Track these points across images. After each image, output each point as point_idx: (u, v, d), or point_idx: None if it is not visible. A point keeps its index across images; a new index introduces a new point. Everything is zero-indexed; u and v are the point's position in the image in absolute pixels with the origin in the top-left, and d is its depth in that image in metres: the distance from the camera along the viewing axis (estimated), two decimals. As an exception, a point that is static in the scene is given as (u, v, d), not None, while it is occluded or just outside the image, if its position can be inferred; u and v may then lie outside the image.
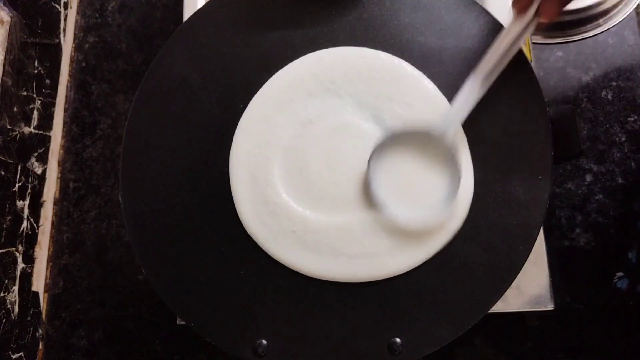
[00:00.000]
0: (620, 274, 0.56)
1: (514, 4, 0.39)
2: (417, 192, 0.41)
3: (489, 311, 0.40)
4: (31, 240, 0.61)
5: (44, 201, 0.64)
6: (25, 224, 0.60)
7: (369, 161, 0.40)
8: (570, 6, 0.59)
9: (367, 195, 0.41)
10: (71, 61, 0.70)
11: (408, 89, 0.44)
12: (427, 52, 0.45)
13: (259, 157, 0.44)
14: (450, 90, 0.43)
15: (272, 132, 0.44)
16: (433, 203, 0.40)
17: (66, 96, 0.69)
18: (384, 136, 0.41)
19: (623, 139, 0.62)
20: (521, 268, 0.40)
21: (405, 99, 0.43)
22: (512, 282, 0.40)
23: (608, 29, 0.65)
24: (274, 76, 0.45)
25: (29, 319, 0.59)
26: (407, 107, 0.43)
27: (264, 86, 0.45)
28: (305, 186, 0.43)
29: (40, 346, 0.61)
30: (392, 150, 0.41)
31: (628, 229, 0.58)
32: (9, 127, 0.58)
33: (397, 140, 0.41)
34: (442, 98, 0.43)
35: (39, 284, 0.62)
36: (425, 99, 0.43)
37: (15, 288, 0.57)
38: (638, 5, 0.65)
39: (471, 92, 0.39)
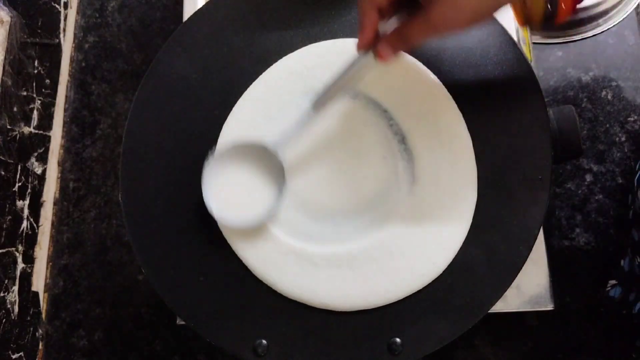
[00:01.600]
0: (613, 282, 0.55)
1: (358, 43, 0.38)
2: (247, 200, 0.43)
3: (489, 311, 0.40)
4: (31, 240, 0.61)
5: (44, 201, 0.64)
6: (25, 224, 0.60)
7: (203, 169, 0.42)
8: (570, 6, 0.59)
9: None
10: (71, 61, 0.70)
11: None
12: (426, 51, 0.45)
13: None
14: (450, 89, 0.43)
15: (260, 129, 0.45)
16: (259, 210, 0.42)
17: (66, 96, 0.69)
18: (225, 148, 0.42)
19: (623, 139, 0.62)
20: (521, 268, 0.40)
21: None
22: (512, 282, 0.40)
23: (608, 29, 0.65)
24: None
25: (28, 319, 0.59)
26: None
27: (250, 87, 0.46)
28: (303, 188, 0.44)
29: (40, 346, 0.61)
30: (230, 161, 0.43)
31: (624, 235, 0.58)
32: (9, 127, 0.58)
33: (236, 152, 0.42)
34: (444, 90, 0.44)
35: (39, 284, 0.62)
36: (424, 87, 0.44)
37: (15, 288, 0.57)
38: (638, 5, 0.65)
39: (305, 116, 0.41)
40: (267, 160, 0.42)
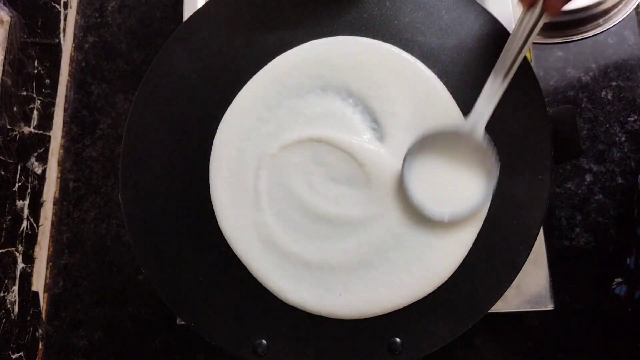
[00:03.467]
0: (618, 279, 0.55)
1: (522, 0, 0.39)
2: (453, 193, 0.41)
3: (489, 311, 0.40)
4: (31, 240, 0.61)
5: (44, 201, 0.64)
6: (25, 223, 0.60)
7: (402, 168, 0.41)
8: (570, 6, 0.59)
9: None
10: (71, 61, 0.70)
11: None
12: (427, 52, 0.45)
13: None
14: (450, 89, 0.43)
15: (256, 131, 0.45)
16: (469, 201, 0.41)
17: (66, 96, 0.69)
18: (414, 141, 0.41)
19: (623, 139, 0.62)
20: (521, 268, 0.40)
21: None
22: (512, 282, 0.40)
23: (608, 29, 0.64)
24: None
25: (28, 318, 0.59)
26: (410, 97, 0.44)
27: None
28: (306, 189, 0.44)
29: (40, 346, 0.61)
30: (423, 155, 0.41)
31: (627, 233, 0.58)
32: (9, 127, 0.58)
33: (426, 143, 0.41)
34: (440, 84, 0.44)
35: (38, 284, 0.62)
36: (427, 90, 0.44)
37: (15, 288, 0.57)
38: (638, 5, 0.65)
39: (494, 88, 0.40)
40: (462, 147, 0.41)
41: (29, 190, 0.61)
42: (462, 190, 0.41)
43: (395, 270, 0.41)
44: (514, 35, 0.40)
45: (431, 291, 0.40)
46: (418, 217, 0.41)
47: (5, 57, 0.56)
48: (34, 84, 0.63)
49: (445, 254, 0.41)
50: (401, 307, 0.41)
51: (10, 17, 0.58)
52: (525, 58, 0.43)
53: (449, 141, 0.41)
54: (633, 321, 0.54)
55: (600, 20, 0.65)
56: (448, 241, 0.41)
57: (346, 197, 0.43)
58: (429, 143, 0.41)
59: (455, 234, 0.41)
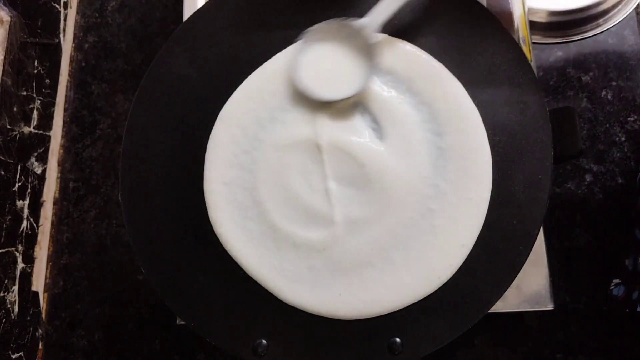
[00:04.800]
0: (617, 280, 0.55)
1: None
2: (337, 77, 0.44)
3: (489, 311, 0.40)
4: (31, 240, 0.61)
5: (44, 201, 0.64)
6: (25, 223, 0.60)
7: (296, 50, 0.44)
8: (570, 6, 0.59)
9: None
10: (71, 61, 0.70)
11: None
12: (424, 50, 0.45)
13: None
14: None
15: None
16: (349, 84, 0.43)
17: (66, 96, 0.69)
18: (311, 29, 0.44)
19: (623, 139, 0.62)
20: (521, 268, 0.40)
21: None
22: (512, 282, 0.40)
23: (608, 29, 0.64)
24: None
25: (28, 318, 0.59)
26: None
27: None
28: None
29: (40, 346, 0.61)
30: (318, 43, 0.44)
31: (626, 235, 0.58)
32: (8, 127, 0.58)
33: (322, 33, 0.44)
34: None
35: (38, 284, 0.62)
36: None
37: (15, 288, 0.57)
38: (638, 5, 0.65)
39: None
40: (355, 40, 0.43)
41: (29, 190, 0.61)
42: (346, 76, 0.44)
43: (395, 270, 0.41)
44: None
45: (431, 292, 0.40)
46: (418, 217, 0.41)
47: (5, 57, 0.56)
48: (34, 84, 0.63)
49: (446, 255, 0.41)
50: (401, 307, 0.41)
51: (10, 17, 0.58)
52: (525, 58, 0.43)
53: (343, 34, 0.44)
54: (631, 322, 0.54)
55: (600, 20, 0.65)
56: (449, 242, 0.41)
57: (346, 197, 0.43)
58: (325, 34, 0.44)
59: (457, 235, 0.41)
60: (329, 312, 0.41)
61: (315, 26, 0.44)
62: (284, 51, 0.46)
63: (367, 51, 0.43)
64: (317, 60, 0.44)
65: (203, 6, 0.48)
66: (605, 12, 0.64)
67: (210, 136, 0.45)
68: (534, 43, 0.65)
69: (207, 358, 0.59)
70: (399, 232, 0.42)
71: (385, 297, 0.40)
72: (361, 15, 0.46)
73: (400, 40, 0.45)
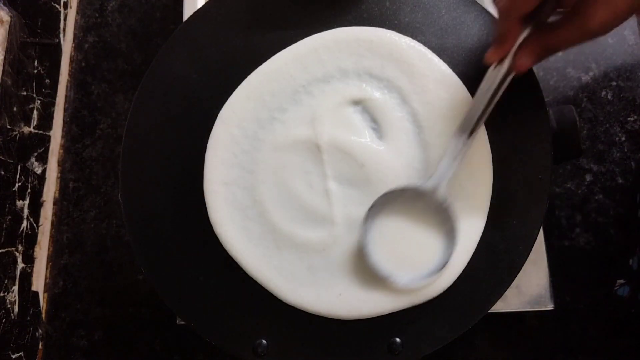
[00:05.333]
0: (621, 281, 0.55)
1: (489, 57, 0.37)
2: (411, 255, 0.41)
3: (489, 311, 0.40)
4: (31, 240, 0.61)
5: (44, 201, 0.64)
6: (25, 223, 0.60)
7: (362, 227, 0.40)
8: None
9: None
10: (71, 61, 0.70)
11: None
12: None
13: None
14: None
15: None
16: (429, 263, 0.40)
17: (66, 96, 0.69)
18: (375, 200, 0.40)
19: (623, 139, 0.62)
20: (521, 268, 0.40)
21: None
22: (512, 282, 0.40)
23: (608, 29, 0.64)
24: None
25: (28, 318, 0.59)
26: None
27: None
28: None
29: (40, 346, 0.61)
30: (384, 213, 0.41)
31: (629, 233, 0.58)
32: (8, 127, 0.58)
33: (388, 201, 0.40)
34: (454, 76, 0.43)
35: (38, 284, 0.62)
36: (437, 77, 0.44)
37: (15, 288, 0.57)
38: (638, 5, 0.65)
39: (458, 147, 0.39)
40: (425, 204, 0.40)
41: (29, 190, 0.61)
42: (421, 253, 0.40)
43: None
44: (480, 92, 0.38)
45: (432, 297, 0.40)
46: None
47: (5, 57, 0.56)
48: (34, 84, 0.63)
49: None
50: (401, 309, 0.40)
51: (10, 17, 0.58)
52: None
53: (410, 200, 0.40)
54: (636, 322, 0.54)
55: (600, 20, 0.64)
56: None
57: (346, 197, 0.42)
58: (391, 201, 0.40)
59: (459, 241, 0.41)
60: (329, 312, 0.41)
61: (381, 196, 0.40)
62: (284, 51, 0.46)
63: (441, 218, 0.40)
64: (388, 234, 0.40)
65: (203, 6, 0.48)
66: (605, 12, 0.64)
67: (210, 136, 0.45)
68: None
69: (207, 358, 0.59)
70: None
71: (385, 298, 0.40)
72: (362, 13, 0.46)
73: (402, 36, 0.45)
